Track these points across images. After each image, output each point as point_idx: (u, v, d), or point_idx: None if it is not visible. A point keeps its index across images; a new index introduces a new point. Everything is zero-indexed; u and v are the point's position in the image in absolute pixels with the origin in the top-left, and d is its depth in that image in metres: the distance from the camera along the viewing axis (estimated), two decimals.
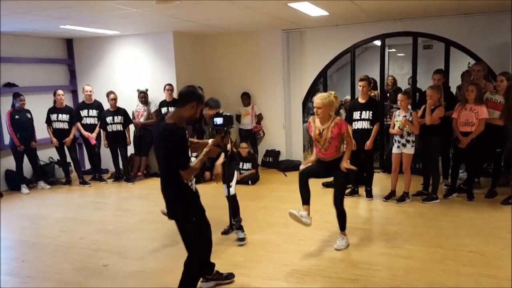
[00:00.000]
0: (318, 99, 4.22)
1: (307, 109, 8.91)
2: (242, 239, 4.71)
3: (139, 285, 3.79)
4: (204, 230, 3.39)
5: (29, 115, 7.22)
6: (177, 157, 3.04)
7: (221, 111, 3.64)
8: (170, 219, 3.29)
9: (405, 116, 5.66)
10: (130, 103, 7.94)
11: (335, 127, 4.21)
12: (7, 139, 7.30)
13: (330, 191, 6.49)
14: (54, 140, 7.39)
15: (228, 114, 3.60)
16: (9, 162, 7.34)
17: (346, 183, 4.73)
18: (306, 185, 4.44)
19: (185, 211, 3.20)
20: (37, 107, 7.42)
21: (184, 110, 3.10)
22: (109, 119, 7.57)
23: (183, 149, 3.12)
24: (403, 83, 10.26)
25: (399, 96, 5.85)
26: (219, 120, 3.56)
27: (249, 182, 7.25)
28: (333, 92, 4.37)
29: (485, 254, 4.12)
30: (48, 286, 3.85)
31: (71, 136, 7.48)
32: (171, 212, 3.27)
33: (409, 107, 5.85)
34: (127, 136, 7.76)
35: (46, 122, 7.42)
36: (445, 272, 3.76)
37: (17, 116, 7.06)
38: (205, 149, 3.35)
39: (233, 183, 4.81)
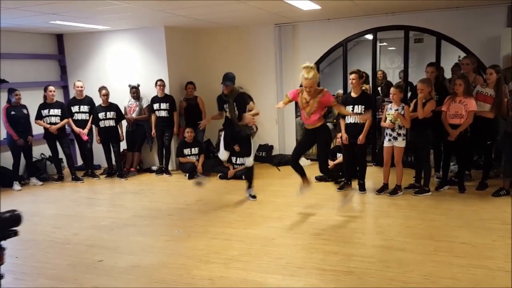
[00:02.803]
0: (308, 80, 4.69)
1: None
2: (254, 196, 5.82)
3: (135, 281, 3.79)
4: None
5: (25, 111, 7.17)
6: None
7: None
8: None
9: (397, 109, 5.69)
10: (122, 99, 7.89)
11: (323, 98, 4.83)
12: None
13: (324, 185, 6.58)
14: (46, 125, 7.33)
15: (3, 215, 2.10)
16: (1, 159, 7.29)
17: (328, 148, 5.47)
18: (298, 164, 5.27)
19: None
20: (28, 103, 7.34)
21: None
22: (101, 115, 7.52)
23: None
24: (394, 77, 10.32)
25: (392, 89, 5.88)
26: None
27: (243, 176, 7.25)
28: (313, 65, 4.79)
29: (476, 245, 4.17)
30: (43, 282, 3.84)
31: (59, 125, 7.39)
32: None
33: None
34: (120, 131, 7.73)
35: (36, 118, 7.35)
36: (439, 263, 3.81)
37: (13, 112, 7.00)
38: None
39: (252, 155, 5.79)
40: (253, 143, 5.75)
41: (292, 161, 5.36)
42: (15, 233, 2.20)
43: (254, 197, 5.84)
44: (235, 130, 5.59)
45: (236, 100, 5.49)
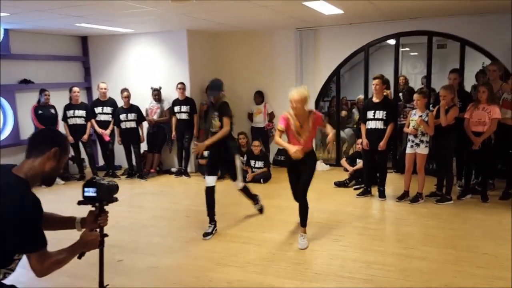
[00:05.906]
0: (296, 94, 4.30)
1: (319, 108, 8.89)
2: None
3: (152, 281, 3.83)
4: None
5: (53, 111, 7.37)
6: (32, 233, 2.03)
7: (95, 178, 2.35)
8: None
9: (420, 116, 5.61)
10: (143, 101, 7.99)
11: (315, 118, 4.40)
12: (23, 134, 7.41)
13: (343, 191, 6.53)
14: (70, 138, 7.46)
15: (106, 182, 2.35)
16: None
17: (312, 175, 4.54)
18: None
19: None
20: (52, 103, 7.51)
21: (41, 162, 2.09)
22: (122, 116, 7.64)
23: (40, 221, 2.06)
24: (416, 83, 10.19)
25: (415, 95, 5.80)
26: (89, 191, 2.30)
27: (261, 180, 7.27)
28: (306, 87, 4.55)
29: (499, 256, 4.08)
30: (63, 280, 3.90)
31: (87, 132, 7.58)
32: None
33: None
34: (141, 133, 7.83)
35: (62, 119, 7.52)
36: (460, 273, 3.74)
37: (40, 111, 7.20)
38: (79, 240, 2.27)
39: (240, 177, 4.97)
40: (239, 164, 4.93)
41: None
42: (116, 199, 2.41)
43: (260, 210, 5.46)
44: (224, 147, 4.82)
45: (219, 109, 4.79)
